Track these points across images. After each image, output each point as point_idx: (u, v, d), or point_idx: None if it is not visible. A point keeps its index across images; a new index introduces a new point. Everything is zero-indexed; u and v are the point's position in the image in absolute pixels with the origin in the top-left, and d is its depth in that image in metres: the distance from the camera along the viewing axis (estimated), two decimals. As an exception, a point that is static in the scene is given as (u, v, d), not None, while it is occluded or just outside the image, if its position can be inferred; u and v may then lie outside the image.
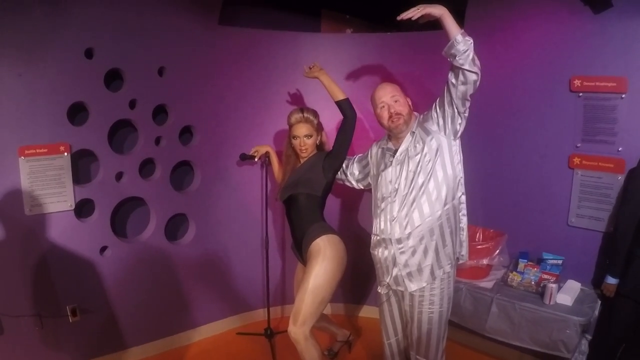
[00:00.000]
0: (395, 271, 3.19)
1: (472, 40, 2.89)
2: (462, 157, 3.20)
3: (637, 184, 3.45)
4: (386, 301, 3.41)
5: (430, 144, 3.08)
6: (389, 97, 3.19)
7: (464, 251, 3.32)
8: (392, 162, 3.21)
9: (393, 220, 3.13)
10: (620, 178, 3.74)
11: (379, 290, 3.41)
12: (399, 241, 3.12)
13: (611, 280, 3.51)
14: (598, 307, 3.73)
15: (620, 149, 3.73)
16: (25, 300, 3.71)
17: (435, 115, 3.12)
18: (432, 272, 3.12)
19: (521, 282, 3.96)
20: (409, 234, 3.08)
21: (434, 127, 3.12)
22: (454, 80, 2.95)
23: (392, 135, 3.28)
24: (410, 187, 3.09)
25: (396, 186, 3.14)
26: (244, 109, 4.70)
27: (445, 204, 3.09)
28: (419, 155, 3.08)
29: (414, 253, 3.11)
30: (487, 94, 4.34)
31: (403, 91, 3.29)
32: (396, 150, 3.21)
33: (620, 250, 3.47)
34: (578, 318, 3.50)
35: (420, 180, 3.07)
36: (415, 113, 3.31)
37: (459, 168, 3.18)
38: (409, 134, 3.19)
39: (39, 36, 3.47)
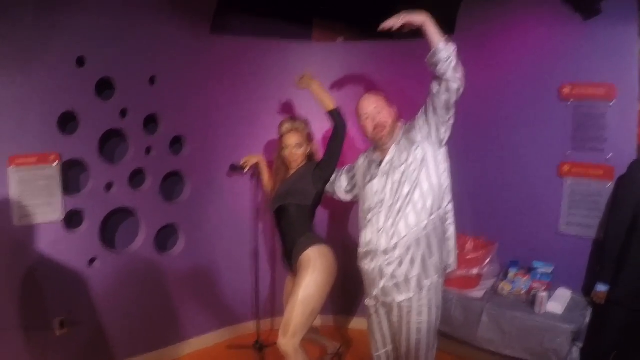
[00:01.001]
0: (382, 282, 3.17)
1: (454, 48, 2.87)
2: (449, 165, 3.17)
3: (627, 191, 3.48)
4: (374, 313, 3.36)
5: (415, 154, 3.05)
6: (372, 108, 3.15)
7: (452, 260, 3.28)
8: (377, 173, 3.17)
9: (379, 231, 3.09)
10: (610, 185, 3.77)
11: (367, 303, 3.38)
12: (385, 252, 3.08)
13: (601, 288, 3.52)
14: (589, 314, 3.74)
15: (609, 156, 3.77)
16: (13, 311, 3.65)
17: (420, 125, 3.08)
18: (419, 283, 3.08)
19: (511, 291, 3.96)
20: (396, 244, 3.04)
21: (418, 137, 3.07)
22: (436, 89, 2.94)
23: (377, 146, 3.25)
24: (395, 197, 3.05)
25: (382, 197, 3.10)
26: (235, 119, 4.70)
27: (431, 214, 3.05)
28: (404, 165, 3.04)
29: (400, 264, 3.06)
30: (477, 101, 4.38)
31: (388, 101, 3.24)
32: (381, 161, 3.17)
33: (610, 257, 3.49)
34: (569, 326, 3.50)
35: (405, 190, 3.03)
36: (401, 122, 3.27)
37: (445, 176, 3.14)
38: (393, 144, 3.15)
39: (30, 43, 3.47)
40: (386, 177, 3.10)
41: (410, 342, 3.17)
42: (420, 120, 3.07)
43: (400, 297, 3.12)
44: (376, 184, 3.14)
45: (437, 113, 2.99)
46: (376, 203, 3.13)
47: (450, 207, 3.20)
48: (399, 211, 3.04)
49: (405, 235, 3.02)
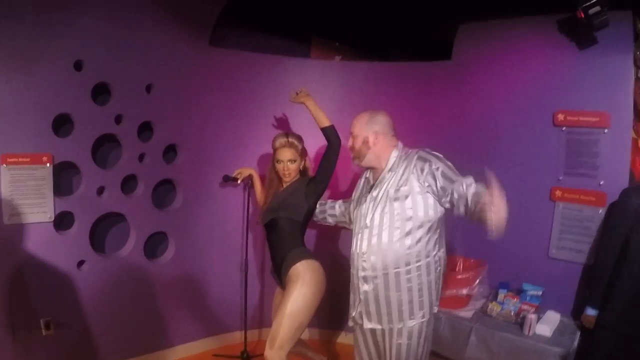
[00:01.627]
0: (358, 306, 3.16)
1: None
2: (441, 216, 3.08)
3: (618, 218, 3.49)
4: (359, 328, 3.32)
5: (416, 198, 2.97)
6: (351, 130, 3.21)
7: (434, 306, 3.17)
8: (366, 197, 3.11)
9: (362, 254, 3.05)
10: (601, 211, 3.79)
11: (349, 323, 3.33)
12: (364, 279, 3.06)
13: (591, 312, 3.52)
14: (577, 338, 3.72)
15: (601, 182, 3.79)
16: (-2, 310, 3.64)
17: (422, 185, 2.97)
18: (390, 317, 3.05)
19: (501, 312, 3.94)
20: (372, 276, 3.02)
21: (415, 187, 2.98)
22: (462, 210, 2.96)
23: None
24: (380, 227, 3.00)
25: (367, 222, 3.05)
26: (229, 131, 4.71)
27: (417, 260, 2.99)
28: (399, 202, 2.96)
29: (375, 297, 3.05)
30: (471, 125, 4.41)
31: (373, 125, 3.12)
32: (372, 185, 3.13)
33: (600, 282, 3.50)
34: (557, 349, 3.48)
35: (394, 224, 2.97)
36: (405, 149, 3.16)
37: (436, 220, 3.04)
38: (387, 171, 3.07)
39: (29, 45, 3.46)
40: (373, 203, 3.05)
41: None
42: (425, 185, 2.96)
43: (369, 325, 3.15)
44: (365, 207, 3.10)
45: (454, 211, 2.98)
46: (361, 226, 3.09)
47: (442, 254, 3.16)
48: (379, 242, 3.00)
49: (380, 271, 3.00)
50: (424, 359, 3.22)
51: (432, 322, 3.18)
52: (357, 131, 3.15)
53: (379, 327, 3.11)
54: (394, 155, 3.11)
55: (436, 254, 3.09)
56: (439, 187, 2.92)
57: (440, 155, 3.03)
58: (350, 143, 3.18)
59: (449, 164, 3.00)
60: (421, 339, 3.13)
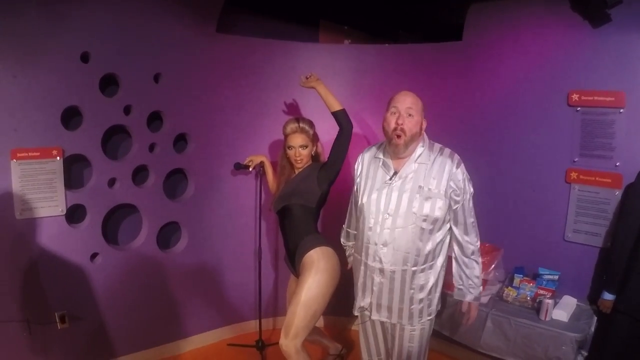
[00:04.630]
0: (369, 296, 3.15)
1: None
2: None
3: (635, 200, 3.43)
4: (368, 319, 3.30)
5: (444, 200, 2.91)
6: (405, 107, 2.87)
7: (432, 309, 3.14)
8: (390, 185, 2.96)
9: (382, 245, 2.97)
10: (618, 193, 3.73)
11: (354, 312, 3.32)
12: (381, 271, 3.01)
13: (608, 297, 3.49)
14: (594, 323, 3.71)
15: (617, 164, 3.73)
16: (14, 305, 3.64)
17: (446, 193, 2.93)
18: (400, 314, 3.06)
19: (517, 298, 3.92)
20: (391, 270, 2.98)
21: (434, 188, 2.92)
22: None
23: (389, 149, 3.02)
24: (406, 221, 2.90)
25: (391, 212, 2.93)
26: (240, 118, 4.68)
27: (434, 259, 3.01)
28: (431, 201, 2.89)
29: (390, 290, 3.03)
30: (484, 107, 4.35)
31: (424, 110, 2.99)
32: (395, 173, 2.97)
33: (617, 266, 3.45)
34: (574, 334, 3.47)
35: (421, 222, 2.89)
36: (431, 142, 3.08)
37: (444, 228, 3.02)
38: (414, 161, 2.95)
39: (35, 38, 3.43)
40: (398, 192, 2.94)
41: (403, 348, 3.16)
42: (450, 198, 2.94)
43: (376, 316, 3.17)
44: (385, 195, 2.96)
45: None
46: (381, 214, 2.97)
47: (440, 261, 3.08)
48: (393, 236, 2.95)
49: (398, 260, 2.97)
50: (426, 350, 3.25)
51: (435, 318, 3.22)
52: (415, 111, 2.89)
53: (388, 320, 3.11)
54: (421, 145, 2.99)
55: (447, 254, 3.10)
56: (456, 209, 2.96)
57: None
58: (401, 121, 2.85)
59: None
60: (427, 335, 3.16)
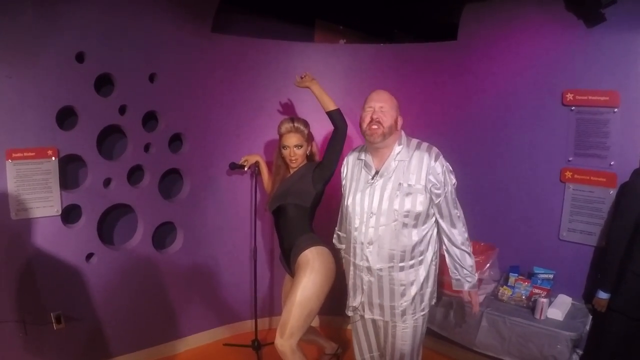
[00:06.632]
0: (360, 296, 3.18)
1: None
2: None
3: (629, 199, 3.44)
4: (360, 318, 3.35)
5: (425, 194, 2.95)
6: (379, 105, 2.95)
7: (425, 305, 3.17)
8: (372, 184, 3.02)
9: (368, 244, 3.01)
10: (612, 192, 3.74)
11: (347, 312, 3.35)
12: (369, 270, 3.05)
13: (602, 295, 3.49)
14: (589, 322, 3.72)
15: (612, 163, 3.74)
16: (9, 306, 3.63)
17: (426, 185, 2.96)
18: (392, 311, 3.08)
19: (512, 297, 3.93)
20: (378, 268, 3.02)
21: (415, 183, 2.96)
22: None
23: (369, 145, 3.09)
24: (388, 218, 2.94)
25: (374, 210, 2.98)
26: (235, 118, 4.67)
27: (422, 254, 3.03)
28: (411, 197, 2.93)
29: (380, 288, 3.06)
30: (479, 106, 4.36)
31: (398, 108, 3.06)
32: (377, 172, 3.03)
33: (612, 265, 3.46)
34: (569, 333, 3.48)
35: (403, 218, 2.93)
36: (409, 138, 3.12)
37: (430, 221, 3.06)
38: (393, 159, 3.00)
39: (30, 38, 3.43)
40: (380, 190, 2.99)
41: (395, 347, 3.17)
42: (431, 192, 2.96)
43: (369, 315, 3.21)
44: (368, 194, 3.03)
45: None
46: (365, 214, 3.03)
47: (430, 255, 3.10)
48: (377, 234, 2.99)
49: (384, 261, 3.01)
50: (419, 347, 3.25)
51: (428, 314, 3.22)
52: (388, 107, 2.97)
53: (381, 318, 3.13)
54: (398, 143, 3.04)
55: (437, 248, 3.12)
56: (439, 202, 2.98)
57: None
58: (376, 116, 2.93)
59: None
60: (420, 331, 3.17)
